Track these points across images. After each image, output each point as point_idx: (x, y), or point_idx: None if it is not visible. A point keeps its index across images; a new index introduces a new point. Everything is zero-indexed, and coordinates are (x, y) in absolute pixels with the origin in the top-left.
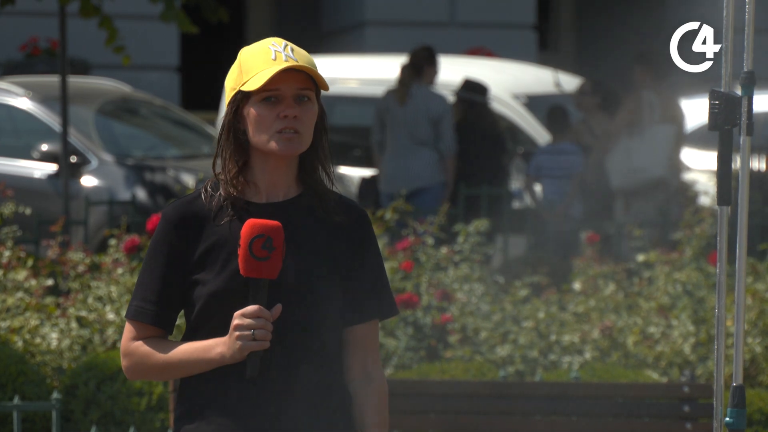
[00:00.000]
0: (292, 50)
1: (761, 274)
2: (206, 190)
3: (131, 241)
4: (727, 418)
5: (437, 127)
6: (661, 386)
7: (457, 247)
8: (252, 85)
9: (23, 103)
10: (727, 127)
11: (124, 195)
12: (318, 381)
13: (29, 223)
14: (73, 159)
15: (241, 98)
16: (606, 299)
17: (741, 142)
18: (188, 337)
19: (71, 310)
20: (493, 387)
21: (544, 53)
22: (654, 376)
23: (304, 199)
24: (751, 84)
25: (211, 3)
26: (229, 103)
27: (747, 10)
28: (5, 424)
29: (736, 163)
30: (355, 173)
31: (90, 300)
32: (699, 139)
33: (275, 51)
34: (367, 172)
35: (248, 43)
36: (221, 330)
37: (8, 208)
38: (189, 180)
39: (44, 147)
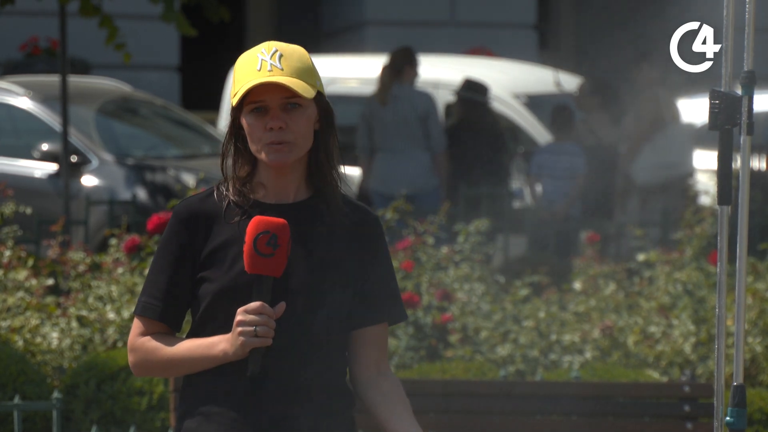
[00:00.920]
0: (281, 57)
1: (762, 274)
2: (218, 188)
3: (132, 241)
4: (728, 418)
5: (425, 124)
6: (661, 386)
7: (457, 246)
8: (235, 100)
9: (23, 102)
10: (727, 127)
11: (125, 195)
12: (322, 382)
13: (30, 223)
14: (74, 159)
15: (236, 109)
16: (606, 299)
17: (741, 142)
18: (194, 334)
19: (72, 310)
20: (494, 387)
21: (545, 53)
22: (654, 375)
23: (314, 202)
24: (751, 83)
25: (212, 2)
26: (231, 111)
27: (747, 9)
28: (6, 423)
29: (737, 162)
30: (355, 172)
31: (90, 300)
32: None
33: (261, 60)
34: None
35: (248, 43)
36: (226, 328)
37: (9, 208)
38: (189, 180)
39: (45, 147)
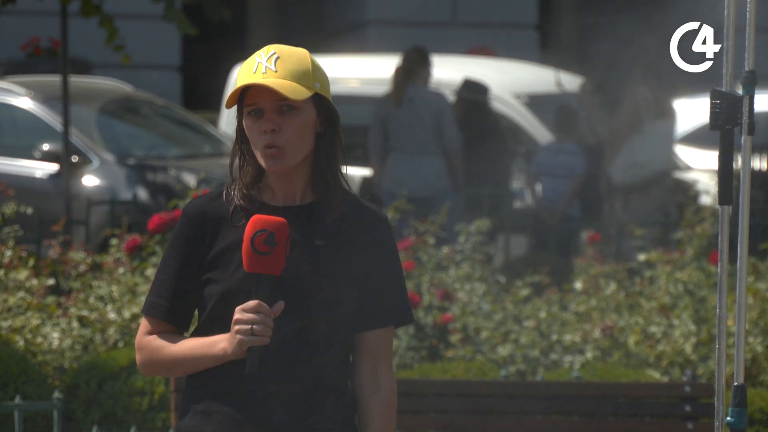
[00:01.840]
0: (276, 60)
1: (762, 274)
2: (228, 190)
3: (132, 241)
4: (729, 418)
5: (438, 123)
6: (662, 386)
7: (458, 246)
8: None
9: (25, 102)
10: (728, 127)
11: (126, 195)
12: (324, 384)
13: (30, 223)
14: (75, 159)
15: (240, 110)
16: (607, 299)
17: (742, 142)
18: (199, 334)
19: (72, 310)
20: (495, 386)
21: (546, 53)
22: (655, 375)
23: (319, 204)
24: (752, 83)
25: (213, 2)
26: (236, 114)
27: (748, 9)
28: (7, 423)
29: (738, 162)
30: (356, 173)
31: (91, 299)
32: (700, 138)
33: (258, 63)
34: (368, 172)
35: (249, 43)
36: (231, 329)
37: (10, 208)
38: (190, 180)
39: (46, 147)
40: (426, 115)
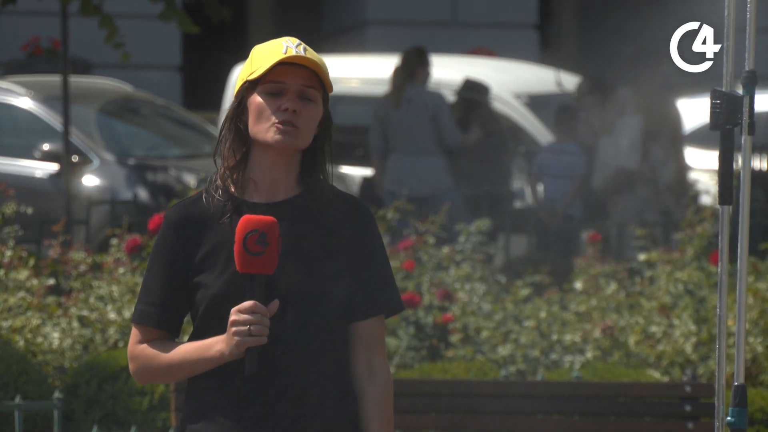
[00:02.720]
0: (305, 50)
1: (763, 274)
2: (207, 191)
3: (133, 241)
4: (729, 418)
5: (438, 122)
6: (662, 386)
7: (458, 246)
8: (258, 73)
9: (25, 102)
10: (728, 127)
11: (126, 194)
12: (323, 380)
13: (31, 223)
14: (75, 158)
15: (247, 88)
16: (607, 298)
17: (742, 142)
18: (195, 338)
19: (73, 310)
20: (495, 386)
21: (546, 53)
22: (655, 375)
23: (304, 198)
24: (752, 83)
25: (213, 2)
26: (236, 94)
27: (749, 9)
28: (7, 423)
29: (738, 162)
30: (356, 173)
31: (91, 299)
32: (700, 138)
33: (287, 46)
34: (368, 172)
35: (249, 43)
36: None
37: (10, 208)
38: (191, 179)
39: (46, 146)
40: (424, 115)
